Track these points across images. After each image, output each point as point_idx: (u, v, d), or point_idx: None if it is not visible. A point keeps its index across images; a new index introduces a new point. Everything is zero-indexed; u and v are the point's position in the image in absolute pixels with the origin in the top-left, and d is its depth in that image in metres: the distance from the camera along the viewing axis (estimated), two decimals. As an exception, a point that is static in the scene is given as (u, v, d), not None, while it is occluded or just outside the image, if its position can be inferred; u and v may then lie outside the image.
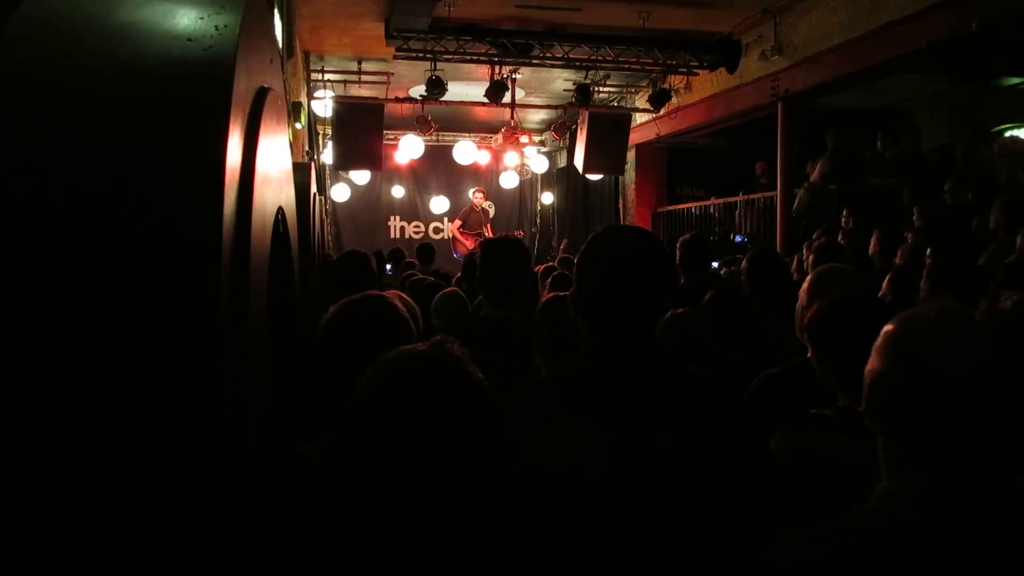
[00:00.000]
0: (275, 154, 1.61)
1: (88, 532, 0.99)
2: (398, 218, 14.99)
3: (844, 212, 6.25)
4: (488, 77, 9.46)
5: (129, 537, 0.99)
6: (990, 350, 1.11)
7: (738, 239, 9.00)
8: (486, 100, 9.48)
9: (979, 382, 1.09)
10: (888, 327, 1.19)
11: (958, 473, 1.11)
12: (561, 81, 10.71)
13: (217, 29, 1.19)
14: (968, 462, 1.11)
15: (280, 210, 1.74)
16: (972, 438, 1.11)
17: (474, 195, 13.42)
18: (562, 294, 2.58)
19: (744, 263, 3.97)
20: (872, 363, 1.20)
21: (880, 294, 3.56)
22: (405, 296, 2.53)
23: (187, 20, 1.20)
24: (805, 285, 2.50)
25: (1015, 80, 9.79)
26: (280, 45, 5.61)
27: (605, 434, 1.47)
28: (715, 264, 6.15)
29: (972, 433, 1.11)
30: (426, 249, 8.35)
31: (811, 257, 4.15)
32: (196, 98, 1.12)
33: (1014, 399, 1.11)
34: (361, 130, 9.45)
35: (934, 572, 1.09)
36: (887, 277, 3.60)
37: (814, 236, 6.45)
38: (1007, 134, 9.74)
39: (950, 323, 1.13)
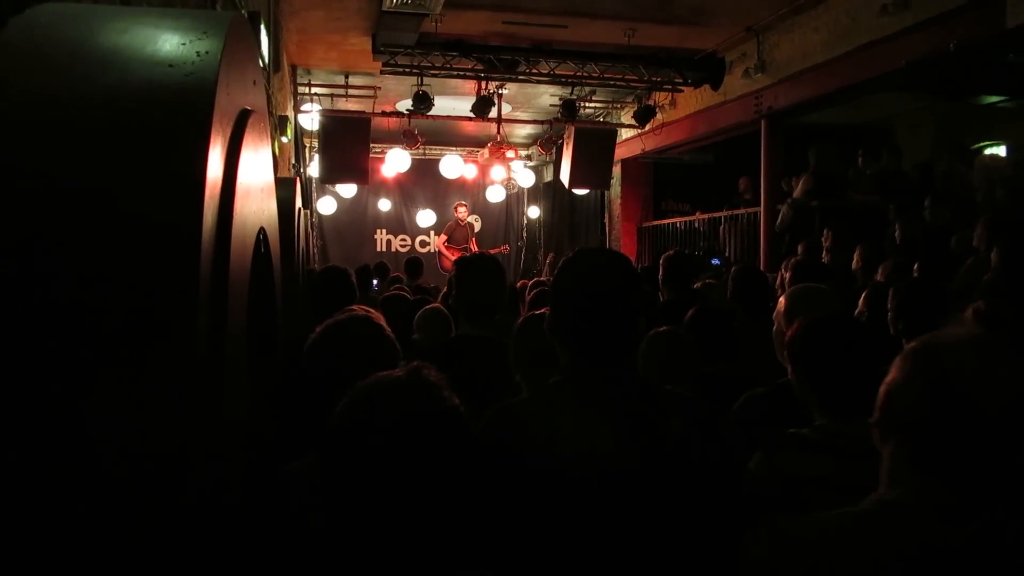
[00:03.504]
0: (256, 174, 1.62)
1: (63, 559, 1.00)
2: (384, 231, 14.99)
3: (825, 231, 6.31)
4: (475, 92, 9.51)
5: (109, 561, 0.99)
6: (1009, 376, 1.15)
7: (714, 261, 9.06)
8: (473, 115, 9.53)
9: (991, 404, 1.13)
10: (912, 344, 1.25)
11: (950, 487, 1.16)
12: (547, 96, 10.79)
13: (199, 55, 1.20)
14: (966, 478, 1.16)
15: (261, 230, 1.75)
16: (976, 456, 1.16)
17: (456, 209, 13.45)
18: (539, 312, 2.61)
19: (729, 281, 4.01)
20: (892, 374, 1.24)
21: (856, 312, 3.60)
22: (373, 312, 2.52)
23: (169, 46, 1.21)
24: (780, 307, 2.52)
25: (994, 99, 9.95)
26: (266, 60, 5.62)
27: (586, 449, 1.49)
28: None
29: (977, 451, 1.15)
30: (414, 263, 8.36)
31: (788, 274, 4.19)
32: (176, 123, 1.13)
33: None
34: (348, 144, 9.46)
35: (927, 571, 1.12)
36: (863, 294, 3.64)
37: (798, 252, 6.51)
38: (986, 151, 9.89)
39: (986, 349, 1.19)
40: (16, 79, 1.12)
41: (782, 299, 2.57)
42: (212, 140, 1.15)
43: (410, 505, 1.19)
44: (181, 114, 1.12)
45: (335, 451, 1.21)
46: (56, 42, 1.20)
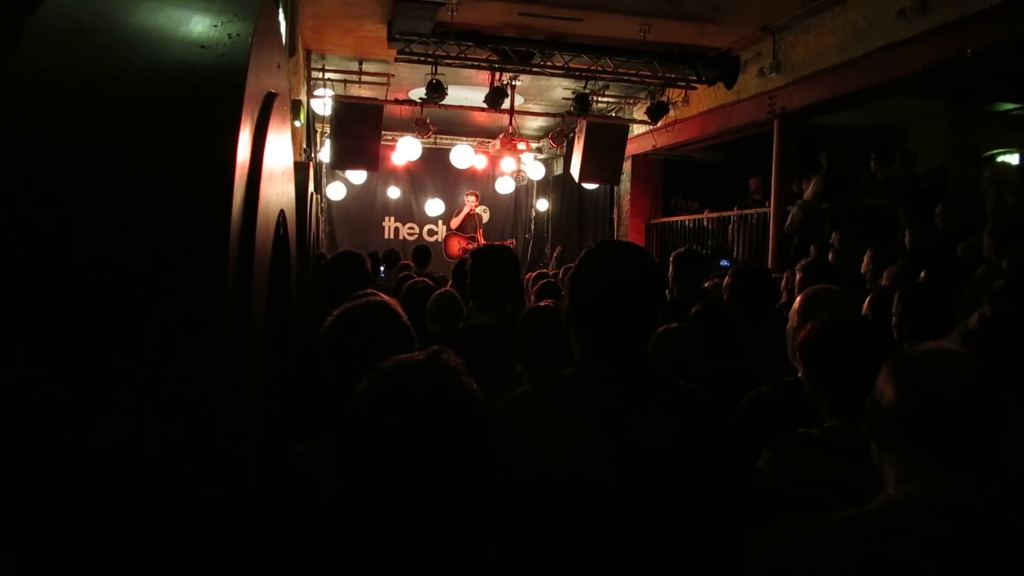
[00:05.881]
0: (279, 157, 1.64)
1: (83, 533, 1.02)
2: (392, 219, 15.00)
3: (834, 234, 6.30)
4: (488, 83, 9.51)
5: (127, 538, 1.01)
6: (980, 380, 1.27)
7: (724, 263, 9.05)
8: (485, 105, 9.52)
9: (971, 407, 1.25)
10: (896, 358, 1.38)
11: (955, 482, 1.23)
12: (560, 90, 10.76)
13: (230, 37, 1.22)
14: (964, 473, 1.23)
15: (281, 212, 1.77)
16: (968, 453, 1.25)
17: (467, 196, 13.46)
18: (544, 304, 2.62)
19: (727, 279, 4.01)
20: (881, 390, 1.35)
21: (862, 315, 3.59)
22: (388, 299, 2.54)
23: (201, 27, 1.23)
24: (795, 306, 2.53)
25: (1009, 106, 9.90)
26: (284, 44, 5.63)
27: (599, 441, 1.50)
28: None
29: (968, 448, 1.25)
30: (422, 251, 8.38)
31: (799, 275, 4.19)
32: (209, 104, 1.14)
33: (1002, 422, 1.26)
34: (359, 130, 9.46)
35: (933, 568, 1.17)
36: (867, 299, 3.64)
37: (811, 253, 6.51)
38: (998, 159, 9.85)
39: (946, 357, 1.32)
40: (51, 58, 1.14)
41: (798, 298, 2.59)
42: (243, 122, 1.17)
43: (424, 486, 1.21)
44: (214, 95, 1.14)
45: (353, 432, 1.23)
46: (90, 22, 1.21)
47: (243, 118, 1.18)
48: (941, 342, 1.51)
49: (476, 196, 13.60)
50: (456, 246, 13.18)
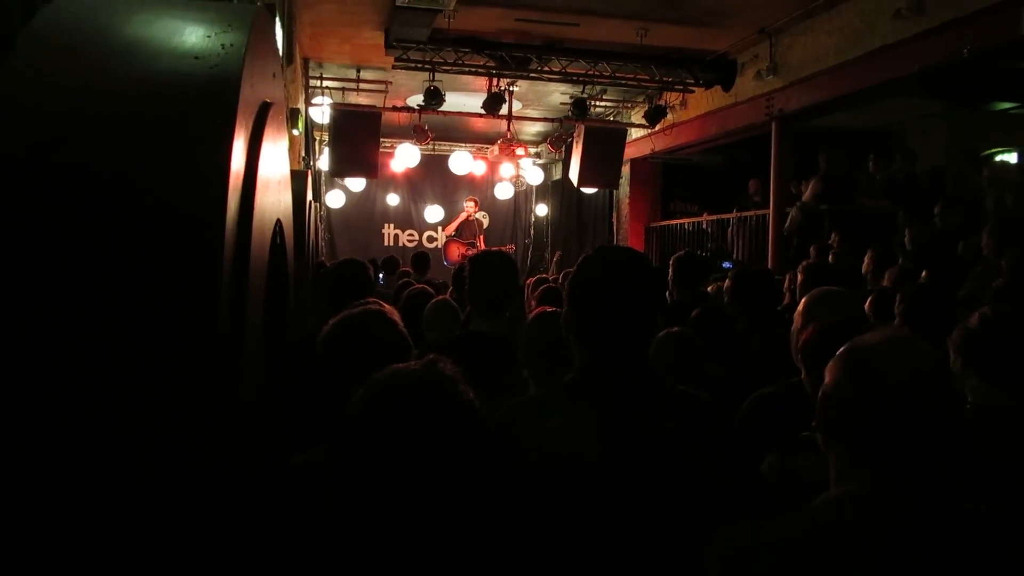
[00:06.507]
0: (275, 166, 1.64)
1: (81, 542, 1.01)
2: (392, 226, 15.03)
3: (833, 235, 6.30)
4: (486, 89, 9.52)
5: (125, 547, 1.01)
6: (930, 370, 1.25)
7: (726, 265, 9.05)
8: (483, 111, 9.53)
9: (918, 397, 1.22)
10: (842, 350, 1.33)
11: (896, 477, 1.22)
12: (558, 95, 10.78)
13: (224, 48, 1.22)
14: (906, 467, 1.22)
15: (278, 222, 1.77)
16: (912, 446, 1.23)
17: (467, 202, 13.48)
18: (551, 309, 2.62)
19: (728, 282, 4.01)
20: (827, 380, 1.32)
21: (863, 316, 3.59)
22: (387, 307, 2.54)
23: (195, 38, 1.23)
24: (800, 307, 2.52)
25: (1007, 105, 9.92)
26: (280, 53, 5.64)
27: (600, 447, 1.50)
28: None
29: (912, 442, 1.23)
30: (421, 258, 8.37)
31: (800, 277, 4.19)
32: (202, 115, 1.14)
33: (950, 413, 1.26)
34: (358, 138, 9.46)
35: (876, 563, 1.17)
36: (868, 300, 3.63)
37: (811, 254, 6.50)
38: (997, 158, 9.85)
39: (897, 345, 1.28)
40: (45, 69, 1.14)
41: (803, 300, 2.58)
42: (236, 132, 1.17)
43: (420, 495, 1.20)
44: (207, 106, 1.14)
45: (349, 441, 1.23)
46: (84, 32, 1.21)
47: (237, 128, 1.18)
48: (891, 329, 1.51)
49: (475, 202, 13.61)
50: (456, 252, 13.17)
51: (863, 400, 1.24)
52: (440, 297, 4.15)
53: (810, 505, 1.28)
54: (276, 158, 1.66)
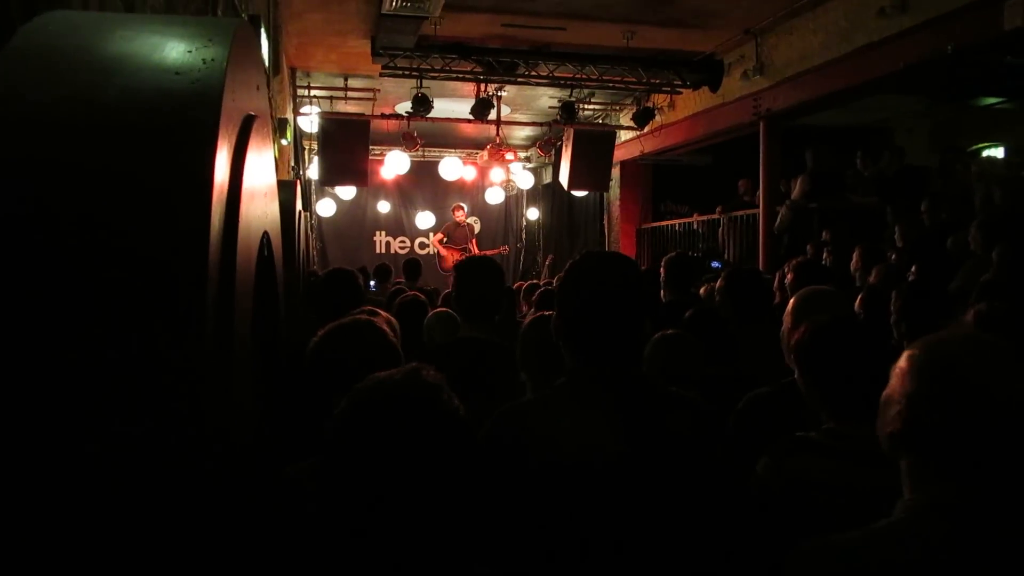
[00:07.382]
0: (260, 178, 1.63)
1: (70, 564, 1.01)
2: (383, 233, 15.02)
3: (824, 233, 6.33)
4: (474, 94, 9.52)
5: (116, 563, 1.01)
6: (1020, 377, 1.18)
7: (715, 264, 9.07)
8: (472, 117, 9.54)
9: (1010, 406, 1.16)
10: (919, 353, 1.25)
11: (987, 487, 1.18)
12: (546, 99, 10.80)
13: (205, 63, 1.22)
14: (998, 477, 1.18)
15: (265, 234, 1.76)
16: (1005, 456, 1.18)
17: (455, 211, 13.47)
18: (548, 313, 2.62)
19: (720, 283, 4.02)
20: (903, 386, 1.24)
21: (852, 314, 3.60)
22: (383, 314, 2.55)
23: (176, 54, 1.23)
24: (789, 307, 2.52)
25: (991, 100, 9.97)
26: (266, 63, 5.64)
27: (590, 451, 1.50)
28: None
29: (1006, 451, 1.17)
30: (412, 265, 8.37)
31: (790, 275, 4.20)
32: (183, 130, 1.14)
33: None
34: (347, 146, 9.46)
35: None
36: (859, 298, 3.64)
37: (808, 252, 6.53)
38: (984, 153, 9.91)
39: (988, 349, 1.21)
40: (26, 86, 1.14)
41: (792, 300, 2.58)
42: (218, 146, 1.17)
43: (407, 505, 1.20)
44: (188, 121, 1.14)
45: (334, 452, 1.23)
46: (64, 49, 1.21)
47: (220, 142, 1.18)
48: (965, 329, 1.44)
49: (462, 209, 13.60)
50: (451, 258, 13.17)
51: (953, 409, 1.18)
52: (440, 308, 4.14)
53: (889, 519, 1.23)
54: (261, 171, 1.66)
